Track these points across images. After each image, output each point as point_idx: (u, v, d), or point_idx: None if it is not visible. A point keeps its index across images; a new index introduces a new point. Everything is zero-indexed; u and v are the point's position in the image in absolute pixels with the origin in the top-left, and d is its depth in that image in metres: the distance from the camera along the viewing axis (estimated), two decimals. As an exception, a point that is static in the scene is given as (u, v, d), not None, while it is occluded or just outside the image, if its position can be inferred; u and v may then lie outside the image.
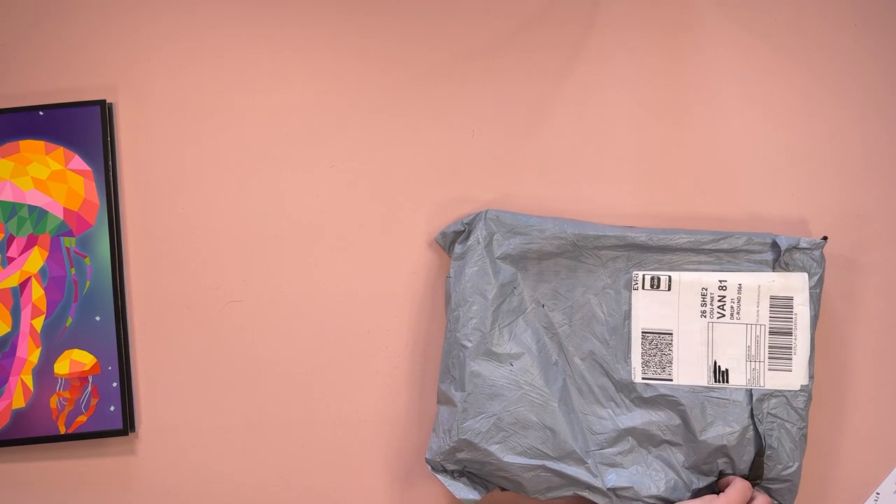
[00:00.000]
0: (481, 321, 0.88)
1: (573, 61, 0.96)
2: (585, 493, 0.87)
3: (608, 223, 0.93)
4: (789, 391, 0.87)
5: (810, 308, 0.88)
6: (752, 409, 0.87)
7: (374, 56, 0.96)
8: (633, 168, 0.95)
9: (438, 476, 0.88)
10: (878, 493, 0.91)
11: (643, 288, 0.89)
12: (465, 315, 0.88)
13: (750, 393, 0.88)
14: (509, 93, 0.96)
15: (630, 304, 0.89)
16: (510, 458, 0.86)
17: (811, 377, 0.88)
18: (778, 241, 0.88)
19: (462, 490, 0.88)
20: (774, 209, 0.94)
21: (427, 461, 0.89)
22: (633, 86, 0.96)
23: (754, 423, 0.87)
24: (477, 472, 0.89)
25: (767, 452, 0.86)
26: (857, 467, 0.92)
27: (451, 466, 0.88)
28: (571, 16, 0.96)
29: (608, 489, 0.86)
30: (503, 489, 0.90)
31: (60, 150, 0.93)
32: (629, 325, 0.89)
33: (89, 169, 0.93)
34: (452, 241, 0.92)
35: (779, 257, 0.88)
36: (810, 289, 0.88)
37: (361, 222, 0.95)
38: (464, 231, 0.91)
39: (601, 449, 0.88)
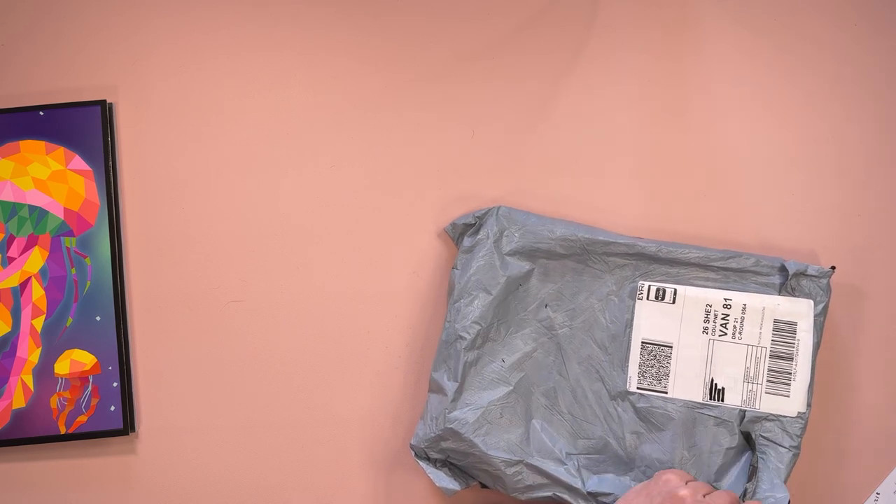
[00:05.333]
0: (482, 315, 0.87)
1: (574, 61, 0.94)
2: (565, 495, 0.86)
3: (607, 222, 0.92)
4: (785, 417, 0.86)
5: (813, 335, 0.86)
6: (741, 429, 0.86)
7: (374, 56, 0.94)
8: (633, 168, 0.93)
9: (421, 463, 0.88)
10: (878, 493, 0.91)
11: (647, 298, 0.88)
12: (466, 308, 0.87)
13: (743, 414, 0.87)
14: (510, 92, 0.94)
15: (633, 313, 0.88)
16: (493, 452, 0.85)
17: (809, 405, 0.86)
18: (786, 266, 0.87)
19: (443, 479, 0.87)
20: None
21: (412, 447, 0.88)
22: (634, 86, 0.94)
23: (743, 444, 0.87)
24: (459, 464, 0.88)
25: (759, 475, 0.85)
26: (857, 467, 0.91)
27: (434, 455, 0.88)
28: (572, 16, 0.95)
29: (588, 492, 0.86)
30: (484, 486, 0.89)
31: (61, 151, 0.92)
32: (630, 333, 0.88)
33: (90, 169, 0.92)
34: (462, 232, 0.91)
35: (786, 281, 0.87)
36: (815, 316, 0.87)
37: (362, 222, 0.94)
38: (474, 224, 0.90)
39: (587, 454, 0.87)
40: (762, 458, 0.85)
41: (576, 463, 0.87)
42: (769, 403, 0.86)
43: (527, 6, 0.95)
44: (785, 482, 0.85)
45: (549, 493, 0.86)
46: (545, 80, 0.94)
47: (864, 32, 0.94)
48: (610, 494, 0.86)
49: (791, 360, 0.87)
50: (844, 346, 0.92)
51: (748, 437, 0.87)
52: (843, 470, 0.92)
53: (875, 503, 0.91)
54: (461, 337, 0.87)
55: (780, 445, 0.86)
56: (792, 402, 0.86)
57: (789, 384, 0.86)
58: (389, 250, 0.93)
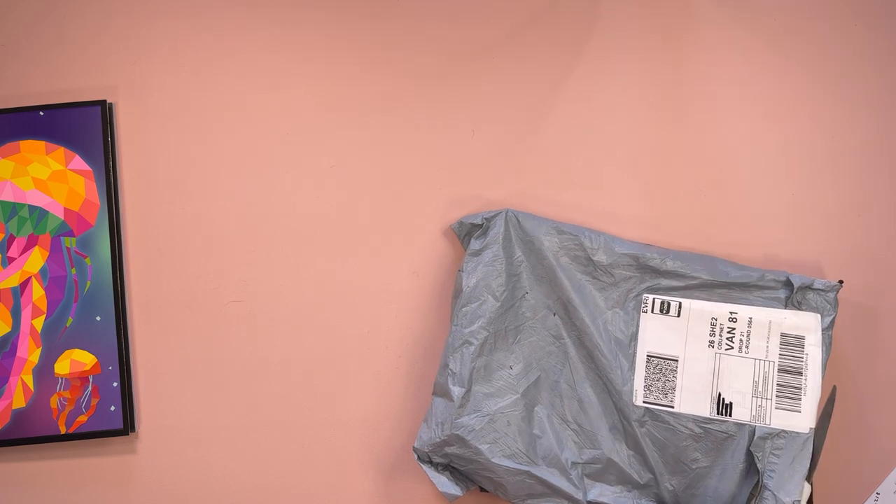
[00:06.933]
0: (489, 321, 0.86)
1: (574, 64, 0.92)
2: None
3: (609, 226, 0.91)
4: (798, 433, 0.84)
5: (822, 350, 0.84)
6: (749, 445, 0.85)
7: (373, 57, 0.93)
8: (636, 171, 0.92)
9: (423, 466, 0.87)
10: (878, 493, 0.90)
11: (653, 312, 0.87)
12: (475, 313, 0.86)
13: (753, 430, 0.85)
14: (511, 94, 0.92)
15: (638, 325, 0.87)
16: (498, 460, 0.84)
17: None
18: (791, 280, 0.85)
19: (445, 484, 0.86)
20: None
21: (415, 450, 0.87)
22: (635, 88, 0.92)
23: (751, 460, 0.85)
24: (461, 469, 0.87)
25: (765, 494, 0.83)
26: (857, 467, 0.90)
27: (437, 459, 0.87)
28: (573, 19, 0.93)
29: (588, 501, 0.85)
30: (482, 490, 0.88)
31: (61, 151, 0.91)
32: (635, 346, 0.87)
33: (90, 169, 0.91)
34: (468, 232, 0.89)
35: (791, 295, 0.85)
36: (823, 330, 0.84)
37: (362, 223, 0.93)
38: (481, 225, 0.89)
39: (592, 463, 0.86)
40: (770, 477, 0.84)
41: (579, 472, 0.86)
42: (780, 419, 0.84)
43: (527, 9, 0.94)
44: (809, 479, 0.83)
45: None
46: (546, 82, 0.93)
47: (863, 35, 0.93)
48: None
49: (800, 374, 0.85)
50: (842, 349, 0.91)
51: (753, 456, 0.85)
52: (843, 469, 0.90)
53: (875, 503, 0.91)
54: (469, 342, 0.86)
55: (796, 462, 0.84)
56: (803, 418, 0.84)
57: (800, 399, 0.84)
58: (390, 250, 0.93)
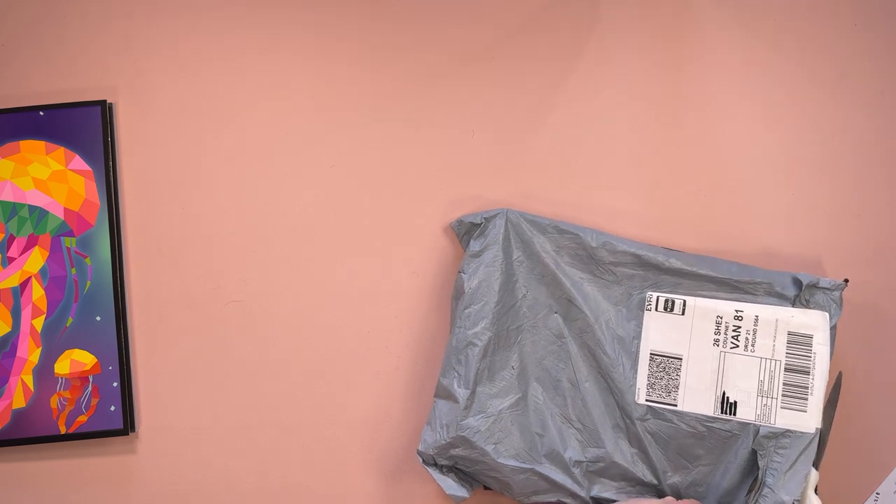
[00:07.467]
0: (492, 322, 0.86)
1: (574, 64, 0.92)
2: (568, 501, 0.85)
3: (611, 226, 0.91)
4: (803, 433, 0.83)
5: (829, 348, 0.83)
6: (753, 446, 0.84)
7: (373, 58, 0.93)
8: (632, 169, 0.91)
9: (429, 469, 0.86)
10: (878, 493, 0.90)
11: (656, 309, 0.86)
12: (478, 314, 0.86)
13: (757, 429, 0.84)
14: (512, 95, 0.92)
15: (641, 323, 0.86)
16: (504, 460, 0.84)
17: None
18: (799, 278, 0.84)
19: (452, 486, 0.86)
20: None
21: (419, 453, 0.86)
22: (633, 87, 0.91)
23: (754, 459, 0.84)
24: (466, 469, 0.87)
25: (764, 492, 0.83)
26: (857, 467, 0.89)
27: (442, 461, 0.86)
28: (573, 20, 0.92)
29: (591, 497, 0.85)
30: (486, 488, 0.88)
31: (61, 151, 0.91)
32: (637, 344, 0.86)
33: (90, 169, 0.91)
34: (467, 231, 0.89)
35: (799, 293, 0.84)
36: (829, 329, 0.84)
37: (362, 223, 0.92)
38: (481, 225, 0.88)
39: (595, 462, 0.86)
40: (772, 475, 0.83)
41: (582, 469, 0.85)
42: (785, 418, 0.84)
43: (527, 9, 0.93)
44: (816, 466, 0.83)
45: (553, 499, 0.85)
46: (547, 82, 0.92)
47: (863, 35, 0.93)
48: (613, 502, 0.85)
49: (808, 373, 0.84)
50: (842, 349, 0.90)
51: (755, 453, 0.84)
52: (843, 469, 0.90)
53: (875, 503, 0.91)
54: (473, 344, 0.86)
55: (798, 462, 0.83)
56: (809, 418, 0.83)
57: (806, 399, 0.83)
58: (390, 250, 0.92)
